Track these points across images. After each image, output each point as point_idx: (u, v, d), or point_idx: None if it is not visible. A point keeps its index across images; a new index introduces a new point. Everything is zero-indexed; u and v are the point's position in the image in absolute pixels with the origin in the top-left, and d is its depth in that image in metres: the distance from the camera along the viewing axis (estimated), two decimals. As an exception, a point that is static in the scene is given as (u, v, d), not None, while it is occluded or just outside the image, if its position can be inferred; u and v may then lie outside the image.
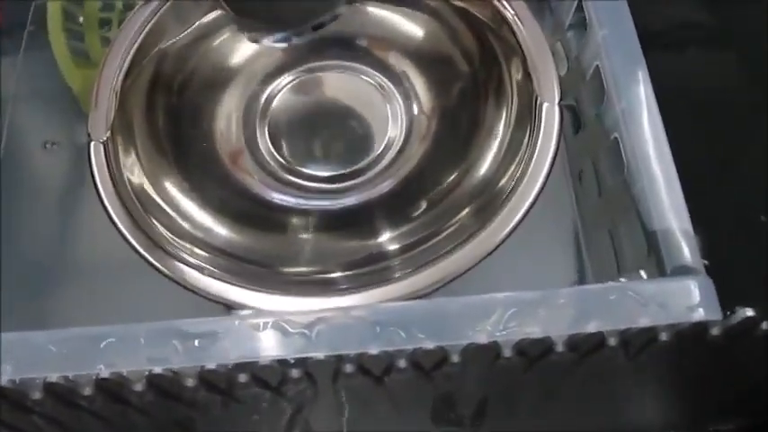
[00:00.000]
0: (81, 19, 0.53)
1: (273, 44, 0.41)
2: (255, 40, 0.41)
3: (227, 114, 0.43)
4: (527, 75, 0.38)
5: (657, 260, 0.31)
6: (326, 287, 0.36)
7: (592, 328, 0.28)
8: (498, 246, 0.34)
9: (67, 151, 0.49)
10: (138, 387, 0.29)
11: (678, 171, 0.33)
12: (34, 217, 0.47)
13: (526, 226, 0.35)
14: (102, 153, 0.37)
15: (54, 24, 0.51)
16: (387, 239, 0.39)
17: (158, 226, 0.36)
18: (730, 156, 0.46)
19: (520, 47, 0.39)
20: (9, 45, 0.52)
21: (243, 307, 0.34)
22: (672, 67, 0.49)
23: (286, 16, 0.39)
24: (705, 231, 0.33)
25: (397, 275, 0.35)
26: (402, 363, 0.29)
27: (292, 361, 0.28)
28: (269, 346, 0.28)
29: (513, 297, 0.28)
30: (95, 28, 0.53)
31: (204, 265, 0.35)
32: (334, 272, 0.37)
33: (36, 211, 0.47)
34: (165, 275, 0.34)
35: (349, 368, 0.29)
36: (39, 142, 0.49)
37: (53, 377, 0.28)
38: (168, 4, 0.41)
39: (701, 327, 0.29)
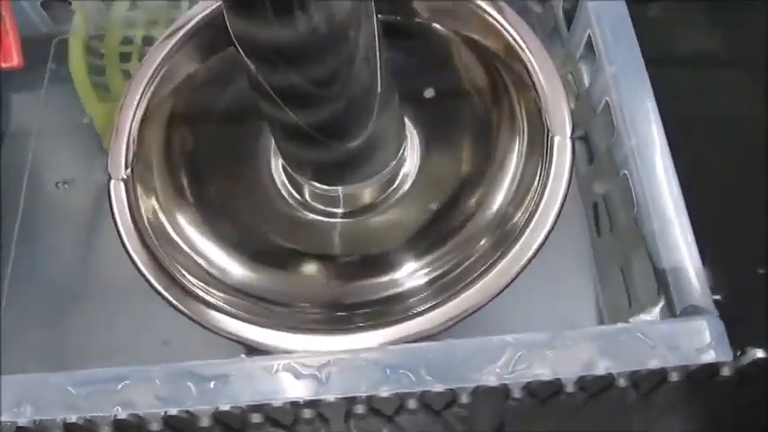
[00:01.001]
0: (102, 52, 0.55)
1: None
2: None
3: (242, 152, 0.44)
4: (538, 108, 0.38)
5: (667, 300, 0.31)
6: (342, 325, 0.36)
7: (601, 369, 0.28)
8: (510, 283, 0.34)
9: (87, 187, 0.50)
10: (155, 427, 0.30)
11: (691, 199, 0.33)
12: (54, 250, 0.48)
13: (543, 259, 0.35)
14: (122, 191, 0.38)
15: (75, 59, 0.53)
16: (402, 276, 0.39)
17: (176, 264, 0.37)
18: (744, 181, 0.45)
19: (531, 80, 0.39)
20: (31, 81, 0.53)
21: (258, 345, 0.34)
22: (685, 91, 0.49)
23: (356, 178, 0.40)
24: (717, 264, 0.33)
25: (412, 312, 0.35)
26: (412, 404, 0.29)
27: (304, 403, 0.29)
28: (281, 388, 0.29)
29: (521, 339, 0.28)
30: (116, 62, 0.54)
31: (220, 304, 0.35)
32: (350, 309, 0.38)
33: (57, 244, 0.48)
34: (184, 314, 0.35)
35: (360, 409, 0.29)
36: (61, 178, 0.51)
37: (72, 418, 0.29)
38: (186, 41, 0.42)
39: (712, 368, 0.29)
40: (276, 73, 0.31)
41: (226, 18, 0.30)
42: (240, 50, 0.31)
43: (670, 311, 0.31)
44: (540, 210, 0.36)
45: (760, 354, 0.28)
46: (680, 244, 0.32)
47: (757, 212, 0.43)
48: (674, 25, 0.53)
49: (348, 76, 0.32)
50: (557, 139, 0.37)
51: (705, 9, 0.54)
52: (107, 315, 0.45)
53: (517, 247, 0.35)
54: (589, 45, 0.40)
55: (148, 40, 0.55)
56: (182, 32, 0.42)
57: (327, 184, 0.41)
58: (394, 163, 0.41)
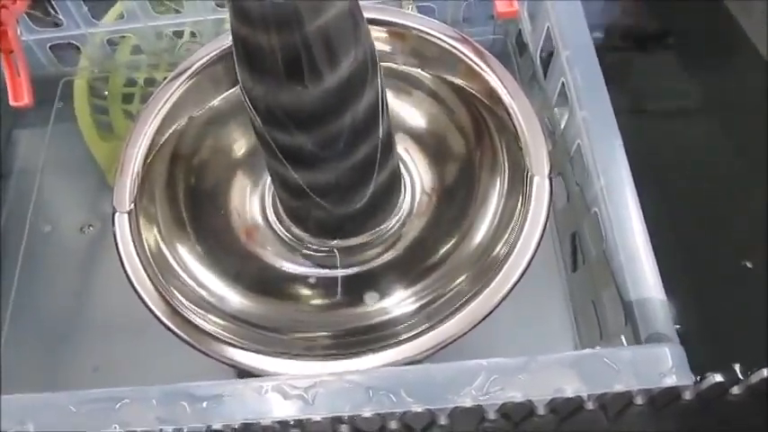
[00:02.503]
0: (106, 93, 0.57)
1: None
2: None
3: (240, 189, 0.46)
4: (519, 149, 0.41)
5: (633, 328, 0.33)
6: (331, 351, 0.38)
7: (570, 392, 0.30)
8: (491, 312, 0.36)
9: (95, 222, 0.52)
10: (151, 445, 0.31)
11: (656, 235, 0.35)
12: (57, 279, 0.50)
13: (523, 290, 0.37)
14: (126, 223, 0.40)
15: (80, 99, 0.56)
16: (391, 304, 0.41)
17: (176, 293, 0.39)
18: (713, 217, 0.48)
19: (512, 123, 0.41)
20: (38, 118, 0.55)
21: (251, 369, 0.36)
22: (659, 134, 0.52)
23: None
24: (680, 295, 0.35)
25: (398, 339, 0.37)
26: (394, 424, 0.31)
27: (292, 422, 0.30)
28: (271, 408, 0.30)
29: (495, 363, 0.30)
30: (119, 102, 0.57)
31: (218, 330, 0.37)
32: (339, 337, 0.40)
33: (60, 272, 0.51)
34: (183, 340, 0.37)
35: (344, 429, 0.31)
36: (64, 210, 0.53)
37: (72, 435, 0.31)
38: (189, 83, 0.44)
39: (674, 391, 0.31)
40: (282, 131, 0.34)
41: (237, 74, 0.33)
42: (249, 106, 0.33)
43: (635, 339, 0.33)
44: (519, 244, 0.38)
45: (718, 378, 0.30)
46: (645, 276, 0.34)
47: (719, 247, 0.46)
48: (646, 73, 0.56)
49: (352, 140, 0.35)
50: (536, 179, 0.39)
51: (676, 58, 0.57)
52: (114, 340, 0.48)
53: (498, 278, 0.37)
54: (564, 91, 0.43)
55: (150, 82, 0.58)
56: (185, 75, 0.44)
57: (323, 238, 0.43)
58: (388, 223, 0.44)
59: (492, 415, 0.31)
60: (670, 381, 0.30)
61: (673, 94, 0.55)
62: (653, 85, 0.55)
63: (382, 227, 0.44)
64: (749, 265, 0.45)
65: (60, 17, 0.53)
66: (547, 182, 0.39)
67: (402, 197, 0.45)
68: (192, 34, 0.57)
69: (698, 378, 0.31)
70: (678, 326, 0.33)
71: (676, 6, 0.60)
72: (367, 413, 0.30)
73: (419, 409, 0.30)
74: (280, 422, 0.30)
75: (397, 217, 0.45)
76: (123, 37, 0.58)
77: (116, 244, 0.39)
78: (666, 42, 0.59)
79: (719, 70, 0.56)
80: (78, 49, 0.57)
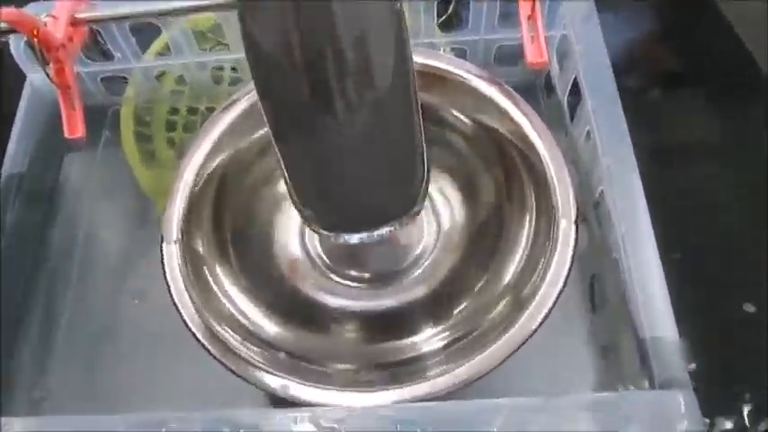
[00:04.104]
0: (148, 119, 0.60)
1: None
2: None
3: (284, 222, 0.48)
4: (547, 193, 0.42)
5: (648, 371, 0.35)
6: (364, 383, 0.40)
7: (585, 433, 0.32)
8: (513, 353, 0.37)
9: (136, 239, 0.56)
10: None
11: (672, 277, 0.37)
12: (100, 290, 0.54)
13: (548, 328, 0.38)
14: (174, 253, 0.41)
15: (125, 128, 0.58)
16: (421, 340, 0.44)
17: (219, 320, 0.41)
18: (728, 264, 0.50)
19: (542, 166, 0.42)
20: (88, 144, 0.58)
21: (287, 396, 0.38)
22: (678, 179, 0.53)
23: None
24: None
25: (428, 374, 0.38)
26: (420, 457, 0.33)
27: (323, 451, 0.33)
28: (305, 438, 0.33)
29: (516, 402, 0.32)
30: (162, 130, 0.59)
31: (255, 357, 0.39)
32: (372, 369, 0.42)
33: (103, 283, 0.54)
34: (226, 367, 0.38)
35: (373, 459, 0.33)
36: (108, 227, 0.57)
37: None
38: (236, 115, 0.45)
39: (685, 436, 0.32)
40: None
41: None
42: None
43: (650, 382, 0.35)
44: (544, 286, 0.39)
45: (728, 425, 0.32)
46: (661, 320, 0.36)
47: (733, 289, 0.48)
48: (672, 113, 0.58)
49: None
50: (563, 222, 0.40)
51: (703, 97, 0.59)
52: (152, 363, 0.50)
53: (523, 318, 0.38)
54: (589, 136, 0.45)
55: (193, 111, 0.60)
56: (236, 107, 0.45)
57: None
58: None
59: (512, 451, 0.33)
60: (681, 427, 0.32)
61: (695, 134, 0.57)
62: (675, 125, 0.57)
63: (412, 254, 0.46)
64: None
65: (112, 51, 0.56)
66: (573, 226, 0.40)
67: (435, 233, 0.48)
68: (233, 69, 0.60)
69: (709, 423, 0.32)
70: (692, 366, 0.34)
71: (703, 48, 0.61)
72: (395, 447, 0.32)
73: (444, 444, 0.32)
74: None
75: (430, 250, 0.47)
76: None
77: (164, 272, 0.41)
78: (691, 82, 0.60)
79: (743, 112, 0.57)
80: (125, 79, 0.59)
